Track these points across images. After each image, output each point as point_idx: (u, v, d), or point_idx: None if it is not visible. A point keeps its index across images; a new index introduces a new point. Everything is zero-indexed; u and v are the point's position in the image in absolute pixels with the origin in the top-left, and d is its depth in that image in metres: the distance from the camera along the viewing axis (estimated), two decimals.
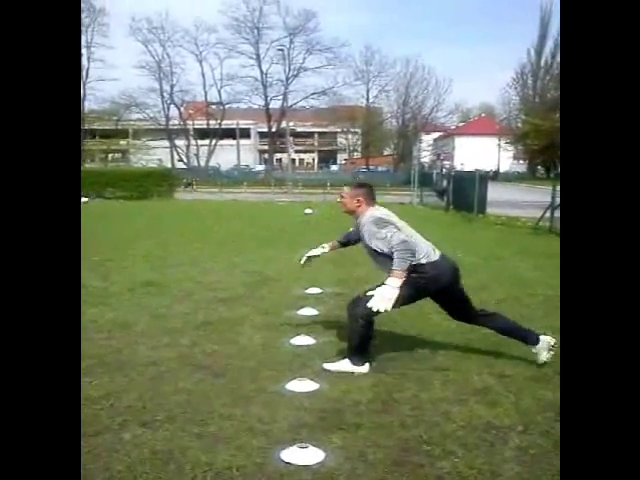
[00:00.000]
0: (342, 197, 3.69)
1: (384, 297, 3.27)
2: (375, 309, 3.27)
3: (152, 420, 2.80)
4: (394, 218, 3.58)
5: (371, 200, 3.65)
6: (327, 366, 3.52)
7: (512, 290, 5.88)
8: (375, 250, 3.48)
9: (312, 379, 3.30)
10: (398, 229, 3.43)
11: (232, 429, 2.72)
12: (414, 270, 3.38)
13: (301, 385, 3.22)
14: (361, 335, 3.46)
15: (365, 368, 3.48)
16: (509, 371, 3.52)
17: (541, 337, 3.61)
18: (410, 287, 3.37)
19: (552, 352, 3.54)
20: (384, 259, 3.41)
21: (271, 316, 4.76)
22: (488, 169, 47.62)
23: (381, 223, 3.44)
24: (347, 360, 3.50)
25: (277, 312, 4.89)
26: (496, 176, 48.06)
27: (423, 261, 3.45)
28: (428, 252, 3.51)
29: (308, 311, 4.89)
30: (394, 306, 3.35)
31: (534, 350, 3.60)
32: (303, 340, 4.06)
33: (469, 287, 6.01)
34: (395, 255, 3.29)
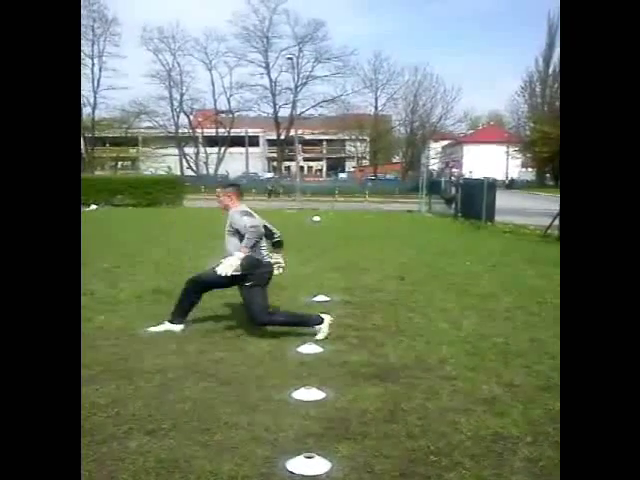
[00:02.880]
0: (218, 196, 4.48)
1: (229, 264, 4.14)
2: (222, 273, 4.11)
3: (158, 428, 2.79)
4: (255, 215, 4.42)
5: (240, 197, 4.49)
6: (151, 329, 4.41)
7: (520, 298, 5.84)
8: (230, 231, 4.35)
9: (319, 388, 3.28)
10: (253, 219, 4.27)
11: (238, 438, 2.70)
12: (260, 266, 4.27)
13: (308, 394, 3.20)
14: (182, 297, 4.45)
15: (179, 327, 4.42)
16: (518, 380, 3.48)
17: (324, 316, 4.39)
18: (258, 281, 4.26)
19: (330, 324, 4.35)
20: (235, 240, 4.29)
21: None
22: (504, 177, 48.25)
23: (243, 214, 4.29)
24: (167, 321, 4.45)
25: None
26: (512, 184, 48.52)
27: (267, 259, 4.39)
28: (267, 254, 4.42)
29: None
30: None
31: (316, 327, 4.31)
32: (310, 348, 4.04)
33: (477, 295, 6.02)
34: (246, 235, 4.15)
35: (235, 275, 4.17)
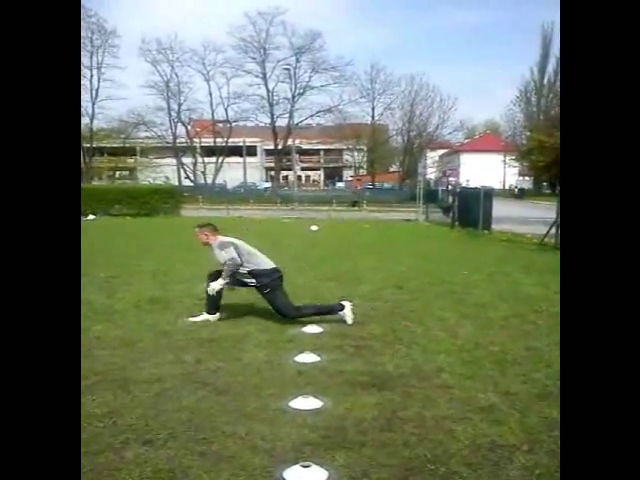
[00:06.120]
0: (197, 235, 5.32)
1: (214, 286, 5.04)
2: (210, 292, 5.06)
3: (155, 438, 2.79)
4: (233, 240, 5.23)
5: (215, 232, 5.30)
6: (192, 319, 5.15)
7: (517, 307, 5.85)
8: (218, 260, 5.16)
9: (316, 396, 3.28)
10: (235, 247, 5.07)
11: (235, 447, 2.70)
12: (268, 274, 5.08)
13: (305, 402, 3.21)
14: (210, 299, 5.18)
15: (216, 316, 5.19)
16: (514, 389, 3.48)
17: (344, 303, 5.11)
18: (273, 286, 5.09)
19: (352, 308, 5.11)
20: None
21: (275, 333, 4.76)
22: (500, 186, 46.79)
23: (222, 245, 5.11)
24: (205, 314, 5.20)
25: (281, 329, 4.88)
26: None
27: (271, 267, 5.14)
28: (262, 262, 5.16)
29: (312, 329, 4.88)
30: None
31: (341, 314, 5.05)
32: (307, 357, 4.04)
33: (474, 303, 6.03)
34: (225, 267, 5.01)
35: (253, 285, 5.12)
